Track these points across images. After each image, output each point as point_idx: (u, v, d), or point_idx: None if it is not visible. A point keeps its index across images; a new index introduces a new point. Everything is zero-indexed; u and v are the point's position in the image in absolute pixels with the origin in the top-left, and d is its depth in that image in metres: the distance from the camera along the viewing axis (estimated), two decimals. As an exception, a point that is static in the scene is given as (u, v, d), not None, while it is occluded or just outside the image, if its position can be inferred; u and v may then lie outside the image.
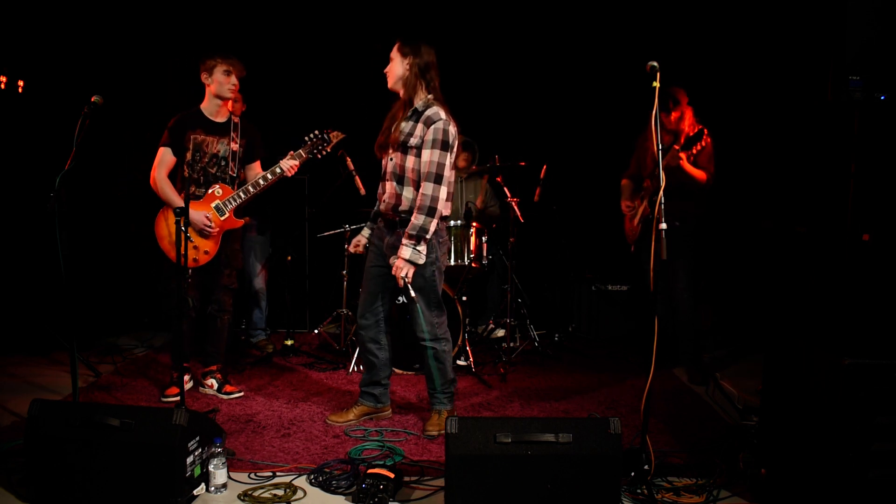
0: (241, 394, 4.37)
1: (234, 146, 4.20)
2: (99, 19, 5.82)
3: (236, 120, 4.26)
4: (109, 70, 5.82)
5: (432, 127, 3.53)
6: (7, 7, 5.45)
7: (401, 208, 3.66)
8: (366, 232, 4.02)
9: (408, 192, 3.64)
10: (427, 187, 3.51)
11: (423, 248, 3.54)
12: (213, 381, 4.39)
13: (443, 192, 3.54)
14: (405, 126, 3.61)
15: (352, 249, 4.09)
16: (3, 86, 5.42)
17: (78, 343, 3.68)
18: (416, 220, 3.51)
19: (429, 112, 3.57)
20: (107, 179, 5.91)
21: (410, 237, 3.52)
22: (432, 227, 3.54)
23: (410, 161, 3.60)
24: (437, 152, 3.52)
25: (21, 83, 5.55)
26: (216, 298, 4.33)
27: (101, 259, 5.89)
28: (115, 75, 5.83)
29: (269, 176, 4.13)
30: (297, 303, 6.18)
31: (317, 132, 4.15)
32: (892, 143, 3.71)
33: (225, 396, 4.32)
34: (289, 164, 4.13)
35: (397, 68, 3.62)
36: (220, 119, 4.22)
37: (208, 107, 4.21)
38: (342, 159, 5.06)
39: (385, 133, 3.73)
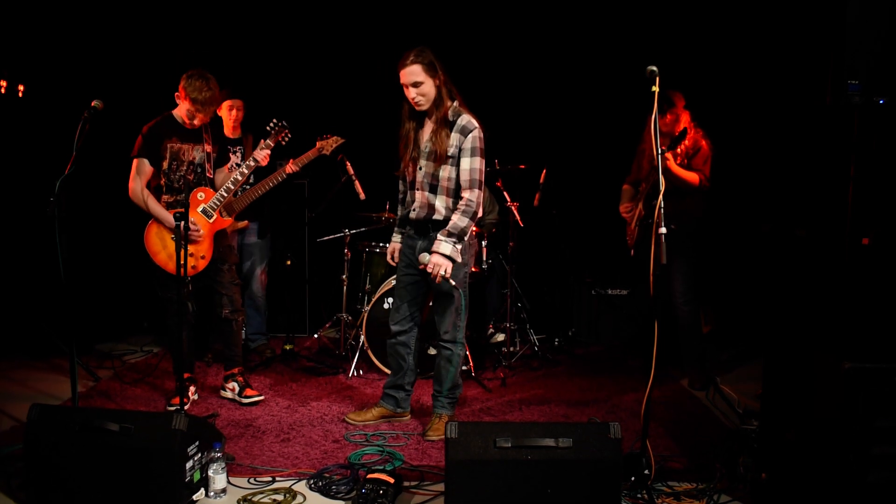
0: (262, 398, 4.34)
1: (209, 148, 4.16)
2: (99, 24, 5.83)
3: (206, 121, 4.17)
4: (110, 74, 5.82)
5: (469, 136, 3.59)
6: (7, 11, 5.45)
7: (434, 216, 3.71)
8: (396, 238, 4.05)
9: (441, 201, 3.69)
10: (473, 193, 3.60)
11: (461, 246, 3.61)
12: (234, 385, 4.37)
13: (481, 197, 3.64)
14: (443, 138, 3.63)
15: (391, 261, 4.09)
16: (3, 90, 5.42)
17: (77, 348, 3.68)
18: (460, 221, 3.59)
19: (462, 121, 3.62)
20: (108, 184, 5.91)
21: (451, 234, 3.58)
22: (470, 230, 3.64)
23: (445, 170, 3.65)
24: (476, 160, 3.60)
25: (21, 87, 5.56)
26: (227, 297, 4.27)
27: (100, 263, 5.89)
28: (116, 80, 5.83)
29: (245, 170, 4.14)
30: (297, 307, 6.18)
31: (275, 120, 4.24)
32: (891, 146, 3.71)
33: (245, 401, 4.29)
34: (262, 154, 4.17)
35: (430, 90, 3.61)
36: (194, 126, 4.13)
37: (182, 114, 4.08)
38: (342, 164, 5.07)
39: (415, 146, 3.76)
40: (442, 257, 3.56)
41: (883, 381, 2.55)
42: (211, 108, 4.06)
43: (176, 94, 4.04)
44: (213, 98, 4.02)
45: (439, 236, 3.60)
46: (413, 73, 3.57)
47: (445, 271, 3.58)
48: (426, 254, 3.60)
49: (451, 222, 3.60)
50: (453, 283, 3.63)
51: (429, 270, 3.58)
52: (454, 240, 3.58)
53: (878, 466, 2.57)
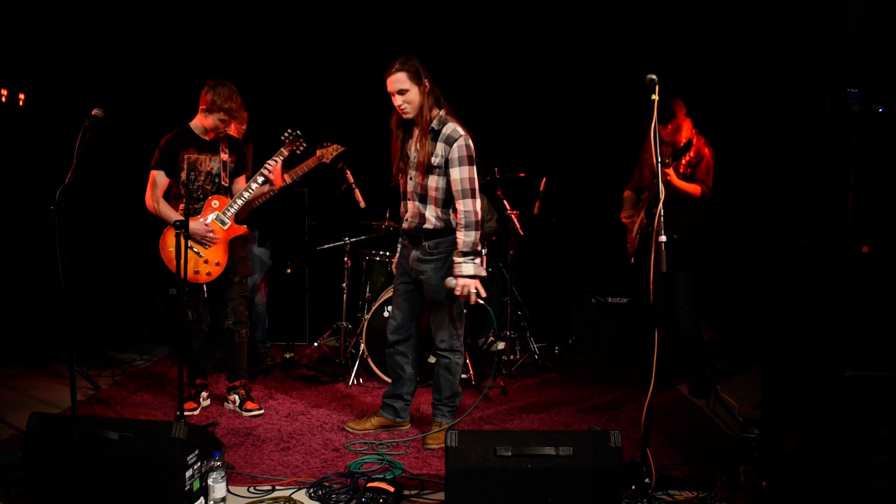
0: (262, 412, 4.33)
1: (225, 157, 4.21)
2: (100, 33, 5.84)
3: (222, 134, 4.23)
4: (110, 82, 5.83)
5: (455, 145, 3.58)
6: (8, 20, 5.47)
7: (425, 226, 3.72)
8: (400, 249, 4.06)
9: (430, 211, 3.69)
10: (467, 203, 3.59)
11: (479, 260, 3.61)
12: (235, 397, 4.38)
13: (478, 204, 3.62)
14: (426, 147, 3.64)
15: (395, 272, 4.11)
16: (3, 99, 5.44)
17: (77, 356, 3.68)
18: (466, 236, 3.59)
19: (447, 130, 3.61)
20: (107, 192, 5.91)
21: (465, 254, 3.58)
22: (479, 239, 3.63)
23: (433, 180, 3.65)
24: (465, 168, 3.59)
25: (22, 96, 5.57)
26: (232, 310, 4.30)
27: (100, 272, 5.89)
28: (116, 88, 5.84)
29: (260, 178, 4.18)
30: (297, 315, 6.17)
31: (290, 130, 4.31)
32: (890, 154, 3.71)
33: (245, 413, 4.29)
34: (272, 162, 4.21)
35: (416, 98, 3.61)
36: (211, 137, 4.19)
37: (199, 126, 4.16)
38: (342, 172, 5.08)
39: (403, 157, 3.78)
40: (465, 278, 3.57)
41: (884, 388, 2.54)
42: (240, 114, 4.12)
43: (202, 107, 4.07)
44: (240, 105, 4.10)
45: (456, 259, 3.60)
46: (398, 80, 3.58)
47: (476, 289, 3.58)
48: (451, 279, 3.61)
49: (459, 241, 3.59)
50: (482, 301, 3.63)
51: (457, 293, 3.59)
52: (471, 257, 3.58)
53: (880, 475, 2.57)
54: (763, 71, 5.46)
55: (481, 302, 3.64)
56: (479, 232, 3.62)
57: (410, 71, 3.57)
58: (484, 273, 3.64)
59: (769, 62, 5.41)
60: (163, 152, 4.11)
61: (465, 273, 3.57)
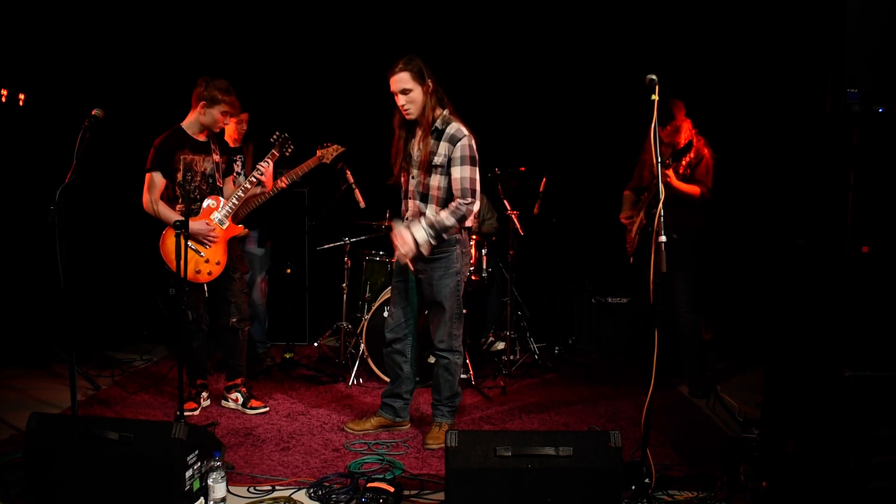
0: (267, 409, 4.34)
1: (217, 158, 4.23)
2: (100, 33, 5.84)
3: (220, 127, 4.27)
4: (110, 83, 5.83)
5: (458, 145, 3.58)
6: (8, 20, 5.47)
7: None
8: None
9: (431, 210, 3.69)
10: (465, 200, 3.59)
11: (434, 242, 3.59)
12: (237, 395, 4.38)
13: (476, 205, 3.62)
14: (429, 146, 3.63)
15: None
16: (3, 99, 5.43)
17: (77, 356, 3.68)
18: (446, 219, 3.57)
19: (451, 130, 3.61)
20: (107, 192, 5.91)
21: (431, 226, 3.57)
22: (452, 232, 3.62)
23: (435, 180, 3.65)
24: (467, 168, 3.59)
25: (22, 96, 5.57)
26: (235, 306, 4.30)
27: (100, 272, 5.89)
28: (116, 88, 5.84)
29: (253, 179, 4.21)
30: (297, 316, 6.17)
31: (278, 133, 4.37)
32: (890, 154, 3.72)
33: (250, 412, 4.30)
34: (264, 164, 4.26)
35: (419, 98, 3.60)
36: (203, 138, 4.20)
37: (192, 126, 4.15)
38: (342, 172, 5.08)
39: (406, 156, 3.77)
40: (411, 238, 3.55)
41: (884, 388, 2.54)
42: (239, 109, 4.17)
43: (201, 104, 4.06)
44: (235, 97, 4.13)
45: (422, 221, 3.59)
46: (402, 80, 3.57)
47: (407, 254, 3.58)
48: (403, 227, 3.60)
49: (438, 215, 3.58)
50: (408, 262, 3.68)
51: (393, 240, 3.59)
52: (432, 233, 3.56)
53: (880, 475, 2.57)
54: (763, 71, 5.46)
55: (411, 267, 3.71)
56: (458, 226, 3.63)
57: (413, 71, 3.57)
58: (426, 253, 3.60)
59: (769, 62, 5.40)
60: (158, 153, 4.09)
61: (415, 233, 3.56)
